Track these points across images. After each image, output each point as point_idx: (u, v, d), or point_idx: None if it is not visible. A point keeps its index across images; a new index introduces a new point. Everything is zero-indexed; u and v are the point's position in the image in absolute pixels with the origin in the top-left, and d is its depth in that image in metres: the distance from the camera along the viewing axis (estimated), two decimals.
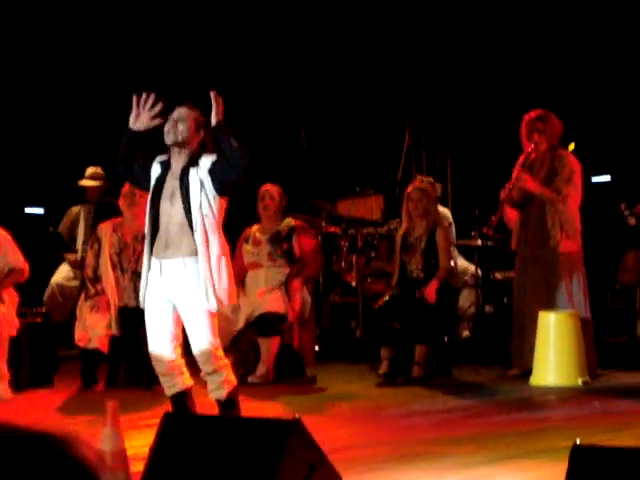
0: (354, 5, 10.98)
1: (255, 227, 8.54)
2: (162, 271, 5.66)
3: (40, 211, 10.65)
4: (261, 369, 8.12)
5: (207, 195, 5.59)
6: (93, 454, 1.69)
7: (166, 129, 5.68)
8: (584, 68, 10.07)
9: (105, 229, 8.27)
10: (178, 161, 5.69)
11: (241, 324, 8.14)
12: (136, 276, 8.08)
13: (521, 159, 8.14)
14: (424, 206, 8.32)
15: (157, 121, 5.71)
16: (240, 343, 8.25)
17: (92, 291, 8.16)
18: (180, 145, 5.66)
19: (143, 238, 8.05)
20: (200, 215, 5.57)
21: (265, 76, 10.87)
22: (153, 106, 5.71)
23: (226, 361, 5.73)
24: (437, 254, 8.26)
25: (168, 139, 5.67)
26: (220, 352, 5.69)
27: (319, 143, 10.42)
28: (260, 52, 11.01)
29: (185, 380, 5.75)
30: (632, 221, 8.66)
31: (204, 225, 5.57)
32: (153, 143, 5.91)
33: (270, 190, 8.46)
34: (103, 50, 10.77)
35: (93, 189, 9.87)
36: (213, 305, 5.58)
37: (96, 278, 8.19)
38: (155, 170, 5.77)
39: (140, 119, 5.71)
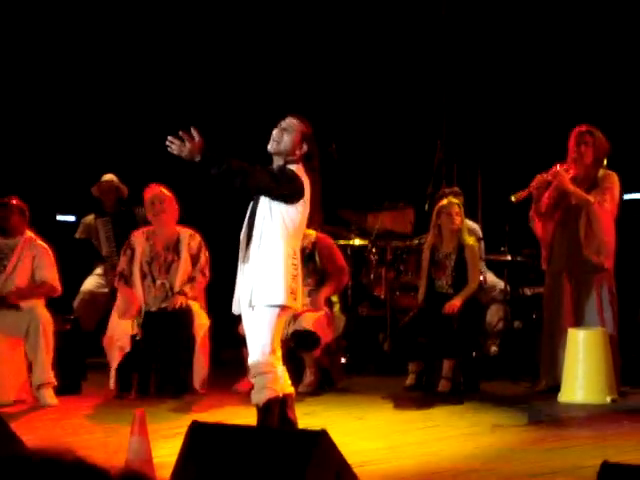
0: (388, 21, 11.00)
1: None
2: (245, 274, 5.63)
3: (71, 219, 10.68)
4: (309, 377, 8.16)
5: (269, 201, 5.56)
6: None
7: (273, 136, 5.64)
8: (617, 83, 10.03)
9: (138, 237, 8.31)
10: None
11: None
12: (164, 286, 8.12)
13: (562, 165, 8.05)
14: (458, 222, 8.34)
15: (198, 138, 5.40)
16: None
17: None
18: (280, 154, 5.63)
19: (174, 247, 8.14)
20: (263, 221, 5.54)
21: (297, 87, 10.89)
22: (190, 137, 5.37)
23: (276, 369, 5.59)
24: (466, 271, 8.27)
25: (270, 147, 5.63)
26: (273, 359, 5.57)
27: (350, 155, 10.42)
28: (292, 61, 11.05)
29: (285, 386, 5.63)
30: None
31: (268, 230, 5.53)
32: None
33: None
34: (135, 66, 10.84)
35: (109, 199, 9.79)
36: (282, 300, 5.51)
37: (126, 282, 8.21)
38: None
39: (191, 151, 5.35)
